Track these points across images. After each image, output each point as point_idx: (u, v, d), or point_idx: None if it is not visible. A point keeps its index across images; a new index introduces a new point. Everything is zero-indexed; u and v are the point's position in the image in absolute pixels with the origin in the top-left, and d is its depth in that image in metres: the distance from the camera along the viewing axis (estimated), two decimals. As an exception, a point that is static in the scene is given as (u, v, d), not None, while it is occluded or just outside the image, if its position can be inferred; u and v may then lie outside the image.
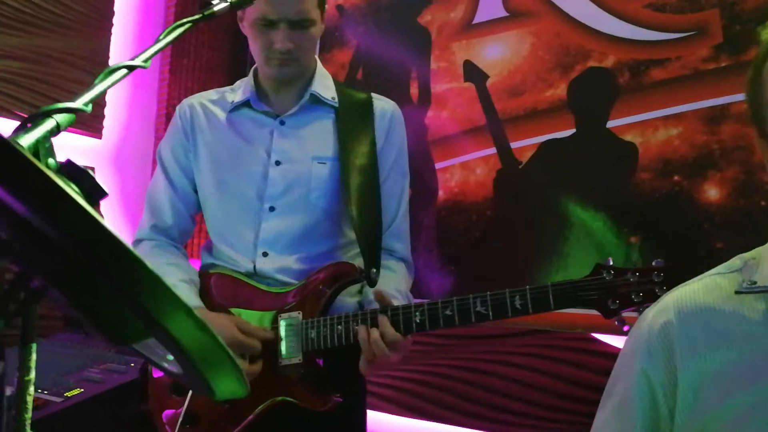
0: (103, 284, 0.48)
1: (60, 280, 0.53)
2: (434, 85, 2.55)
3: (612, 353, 1.81)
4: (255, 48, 1.77)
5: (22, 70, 2.97)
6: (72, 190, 0.53)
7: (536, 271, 2.18)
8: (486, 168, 2.36)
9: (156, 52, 1.25)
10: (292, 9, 1.66)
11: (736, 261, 0.98)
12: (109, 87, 1.12)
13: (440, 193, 2.48)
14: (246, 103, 1.83)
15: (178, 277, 1.74)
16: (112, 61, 3.29)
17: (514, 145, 2.30)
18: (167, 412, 1.73)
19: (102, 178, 3.26)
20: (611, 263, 1.43)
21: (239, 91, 1.85)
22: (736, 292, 0.93)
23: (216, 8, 1.39)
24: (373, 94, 1.87)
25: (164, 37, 1.30)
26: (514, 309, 1.46)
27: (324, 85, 1.83)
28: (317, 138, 1.79)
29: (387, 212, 1.81)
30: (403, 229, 1.83)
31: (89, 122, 3.21)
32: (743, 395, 0.90)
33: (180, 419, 1.68)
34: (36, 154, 0.88)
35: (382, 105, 1.83)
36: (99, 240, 0.46)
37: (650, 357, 0.97)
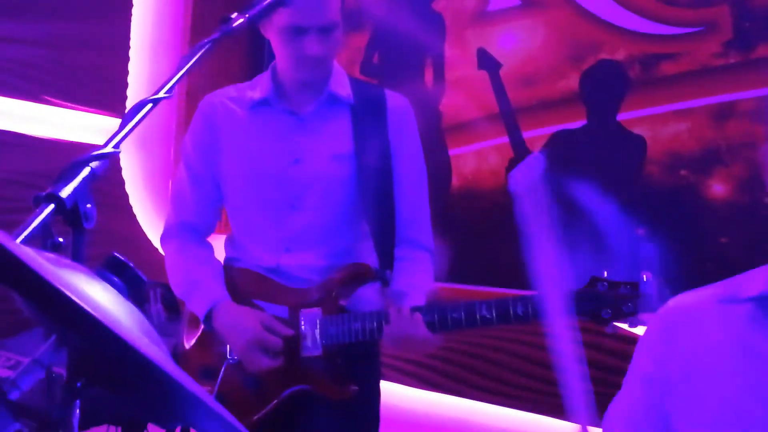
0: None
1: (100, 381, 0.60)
2: (448, 72, 2.60)
3: (622, 335, 1.90)
4: (283, 53, 1.81)
5: (47, 57, 3.05)
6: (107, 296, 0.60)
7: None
8: (499, 156, 2.42)
9: (178, 79, 1.32)
10: (321, 16, 1.71)
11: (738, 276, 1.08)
12: (137, 124, 1.20)
13: (454, 179, 2.54)
14: (265, 101, 1.89)
15: (205, 275, 1.83)
16: (133, 47, 3.36)
17: (526, 134, 2.36)
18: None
19: (125, 159, 3.36)
20: (606, 275, 1.54)
21: (258, 88, 1.91)
22: (719, 302, 1.02)
23: (235, 24, 1.45)
24: (386, 90, 1.92)
25: (185, 63, 1.37)
26: (516, 316, 1.57)
27: (340, 83, 1.88)
28: (334, 135, 1.85)
29: (408, 205, 1.88)
30: (425, 219, 1.91)
31: (110, 102, 3.29)
32: (723, 400, 0.98)
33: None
34: (75, 206, 0.96)
35: (395, 101, 1.89)
36: (125, 358, 0.53)
37: (647, 354, 1.09)
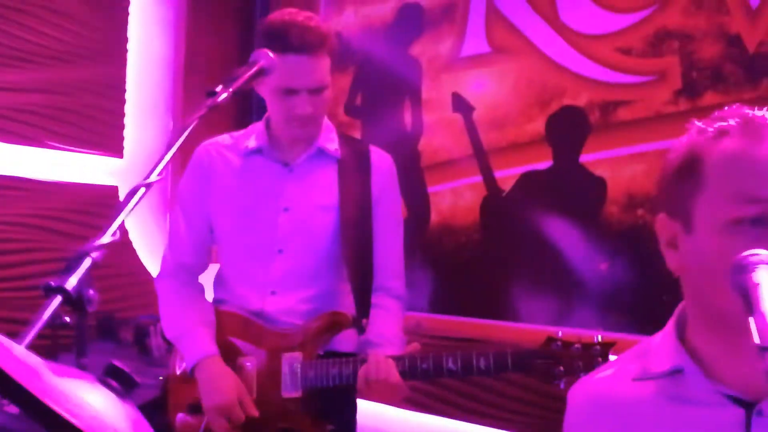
0: None
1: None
2: (425, 114, 2.76)
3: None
4: (275, 110, 1.94)
5: (46, 103, 3.22)
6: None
7: (518, 289, 2.41)
8: (473, 194, 2.58)
9: (168, 160, 1.48)
10: (311, 79, 1.84)
11: (641, 345, 1.19)
12: (132, 208, 1.35)
13: (433, 215, 2.70)
14: (259, 150, 2.04)
15: (198, 321, 1.95)
16: (129, 89, 3.52)
17: (497, 173, 2.51)
18: (186, 424, 2.00)
19: (126, 196, 3.52)
20: (560, 335, 1.70)
21: (252, 137, 2.05)
22: (633, 380, 1.13)
23: (220, 99, 1.62)
24: (371, 147, 2.08)
25: (175, 143, 1.52)
26: (479, 369, 1.73)
27: (329, 138, 2.03)
28: (321, 187, 2.00)
29: (386, 255, 2.03)
30: (400, 269, 2.05)
31: (109, 143, 3.45)
32: None
33: None
34: (80, 295, 1.11)
35: (378, 159, 2.05)
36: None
37: (570, 428, 1.20)
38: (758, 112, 1.02)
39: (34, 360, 0.85)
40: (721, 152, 1.00)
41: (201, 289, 2.10)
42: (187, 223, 2.08)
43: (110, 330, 3.14)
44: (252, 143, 2.03)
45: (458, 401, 2.57)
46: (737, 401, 1.01)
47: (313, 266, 1.95)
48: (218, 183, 2.04)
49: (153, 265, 3.49)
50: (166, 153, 1.46)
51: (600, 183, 2.27)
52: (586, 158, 2.31)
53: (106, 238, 1.23)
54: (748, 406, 1.00)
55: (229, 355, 1.93)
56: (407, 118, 2.83)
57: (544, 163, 2.41)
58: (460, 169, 2.63)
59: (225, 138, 2.09)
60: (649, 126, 2.18)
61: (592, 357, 1.67)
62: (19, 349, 0.88)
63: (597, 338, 1.70)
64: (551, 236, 2.37)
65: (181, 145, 1.69)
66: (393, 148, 2.75)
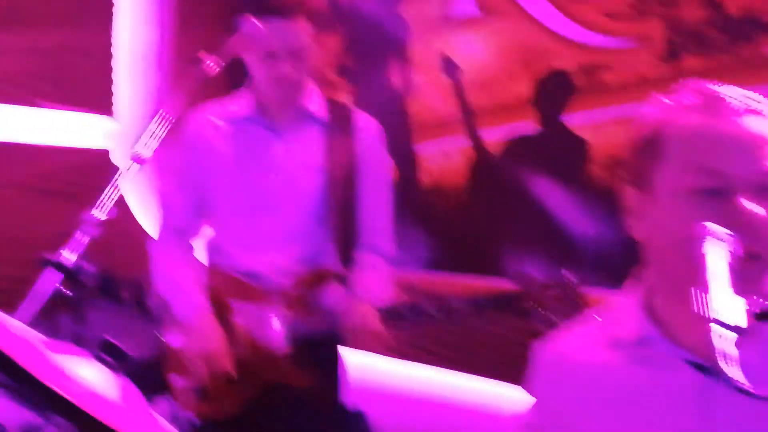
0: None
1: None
2: (414, 75, 2.79)
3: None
4: (259, 75, 2.03)
5: (35, 63, 3.23)
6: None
7: (506, 248, 2.48)
8: (461, 155, 2.63)
9: (161, 136, 1.54)
10: (291, 42, 1.94)
11: (608, 310, 1.25)
12: (126, 183, 1.41)
13: (422, 175, 2.76)
14: (247, 117, 2.11)
15: (189, 279, 2.05)
16: (119, 47, 3.52)
17: (485, 134, 2.57)
18: (180, 382, 2.08)
19: (118, 158, 3.55)
20: (535, 275, 1.75)
21: (241, 105, 2.12)
22: (599, 346, 1.17)
23: (209, 71, 1.70)
24: (357, 111, 2.15)
25: (166, 117, 1.58)
26: (456, 311, 1.81)
27: (314, 102, 2.11)
28: (307, 149, 2.08)
29: (373, 214, 2.11)
30: (388, 228, 2.14)
31: (99, 102, 3.47)
32: (606, 428, 1.13)
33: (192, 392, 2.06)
34: (78, 269, 1.18)
35: (364, 122, 2.12)
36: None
37: (533, 385, 1.27)
38: (719, 89, 1.08)
39: (32, 336, 0.92)
40: (684, 126, 1.04)
41: (193, 252, 2.20)
42: (179, 188, 2.16)
43: (110, 289, 3.20)
44: (240, 111, 2.11)
45: (444, 351, 2.67)
46: (698, 366, 1.08)
47: (300, 226, 2.05)
48: (209, 150, 2.12)
49: (150, 226, 3.55)
50: (156, 127, 1.53)
51: (584, 144, 2.32)
52: (570, 120, 2.36)
53: (103, 215, 1.30)
54: (705, 369, 1.08)
55: (221, 313, 2.03)
56: (396, 78, 2.87)
57: (530, 125, 2.46)
58: (448, 129, 2.67)
59: (213, 106, 2.17)
60: (632, 89, 2.22)
61: (567, 297, 1.72)
62: (16, 325, 0.95)
63: (572, 279, 1.75)
64: (537, 196, 2.43)
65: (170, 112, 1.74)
66: (382, 108, 2.81)
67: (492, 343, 2.54)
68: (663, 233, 1.07)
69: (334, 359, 2.02)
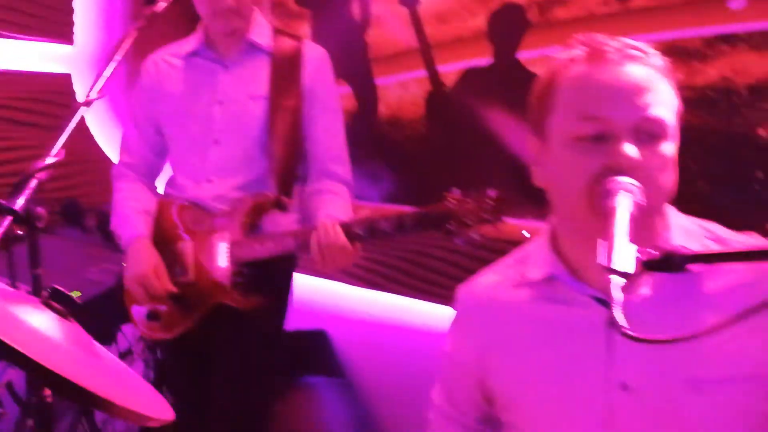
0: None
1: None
2: (373, 5, 2.79)
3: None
4: (201, 7, 2.12)
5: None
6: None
7: (462, 179, 2.55)
8: (419, 87, 2.67)
9: (107, 77, 1.57)
10: None
11: (520, 253, 1.32)
12: (74, 126, 1.45)
13: (381, 107, 2.79)
14: (195, 52, 2.19)
15: (134, 209, 2.17)
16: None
17: (441, 68, 2.59)
18: (136, 309, 2.19)
19: (80, 84, 3.53)
20: (455, 191, 1.76)
21: (190, 40, 2.21)
22: (513, 286, 1.24)
23: (157, 7, 1.74)
24: (305, 41, 2.20)
25: (117, 57, 1.61)
26: (383, 231, 1.83)
27: (260, 33, 2.17)
28: (253, 79, 2.15)
29: (325, 141, 2.17)
30: (343, 154, 2.20)
31: (58, 29, 3.42)
32: (519, 365, 1.23)
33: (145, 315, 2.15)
34: (28, 213, 1.23)
35: (310, 51, 2.17)
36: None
37: (455, 327, 1.35)
38: (603, 40, 1.13)
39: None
40: (569, 77, 1.12)
41: (148, 185, 2.28)
42: (134, 126, 2.25)
43: (75, 217, 3.25)
44: (189, 46, 2.18)
45: (391, 275, 2.78)
46: (601, 301, 1.17)
47: (245, 155, 2.12)
48: (162, 87, 2.20)
49: (112, 154, 3.57)
50: (105, 69, 1.57)
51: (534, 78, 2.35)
52: (523, 55, 2.39)
53: (51, 159, 1.34)
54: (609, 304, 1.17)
55: (170, 240, 2.13)
56: (355, 9, 2.86)
57: (485, 59, 2.49)
58: (406, 62, 2.69)
59: (169, 47, 2.25)
60: (583, 26, 2.25)
61: (484, 212, 1.72)
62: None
63: (490, 194, 1.74)
64: (492, 128, 2.49)
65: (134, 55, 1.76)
66: (341, 39, 2.82)
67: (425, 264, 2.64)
68: (558, 180, 1.14)
69: (278, 282, 2.11)
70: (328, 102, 2.18)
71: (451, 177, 2.52)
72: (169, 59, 2.22)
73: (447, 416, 1.41)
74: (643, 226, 1.09)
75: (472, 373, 1.31)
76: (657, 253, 0.89)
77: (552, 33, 2.32)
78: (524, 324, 1.24)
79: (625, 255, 0.90)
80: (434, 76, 2.62)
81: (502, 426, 1.36)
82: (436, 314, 2.71)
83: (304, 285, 2.97)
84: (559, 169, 1.13)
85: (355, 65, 2.81)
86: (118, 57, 1.58)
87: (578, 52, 1.13)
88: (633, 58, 1.10)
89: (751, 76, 1.93)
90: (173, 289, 2.06)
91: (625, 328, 0.84)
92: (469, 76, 2.53)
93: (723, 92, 1.97)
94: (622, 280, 0.89)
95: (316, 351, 3.03)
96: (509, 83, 2.43)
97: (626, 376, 1.15)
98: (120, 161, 2.28)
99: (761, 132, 1.92)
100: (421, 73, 2.65)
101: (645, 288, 1.15)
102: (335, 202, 2.09)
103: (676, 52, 2.04)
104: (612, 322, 0.86)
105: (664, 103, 1.11)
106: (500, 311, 1.27)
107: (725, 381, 1.12)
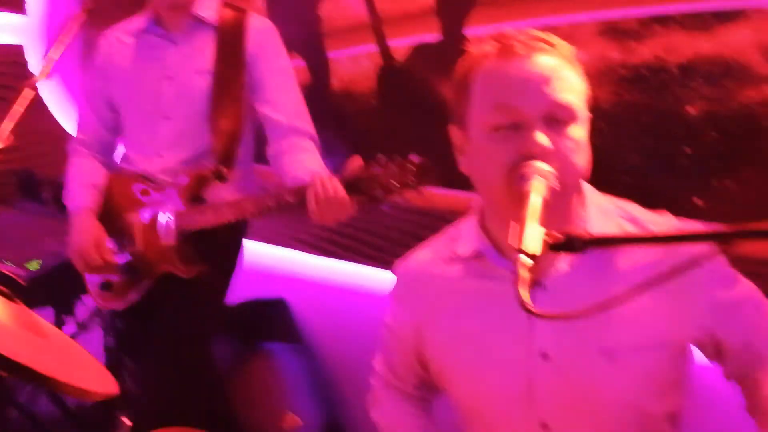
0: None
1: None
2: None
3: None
4: None
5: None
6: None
7: (412, 151, 2.62)
8: (370, 62, 2.72)
9: (54, 60, 1.62)
10: None
11: (452, 230, 1.41)
12: (23, 109, 1.50)
13: (333, 81, 2.84)
14: (145, 28, 2.24)
15: (81, 183, 2.25)
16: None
17: (392, 43, 2.65)
18: (90, 280, 2.28)
19: (33, 55, 3.50)
20: (380, 157, 1.80)
21: (140, 18, 2.26)
22: (445, 261, 1.35)
23: None
24: (250, 13, 2.25)
25: (65, 40, 1.66)
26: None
27: (205, 7, 2.22)
28: (199, 54, 2.21)
29: (283, 102, 2.22)
30: (302, 109, 2.25)
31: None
32: (451, 335, 1.34)
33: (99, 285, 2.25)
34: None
35: (254, 22, 2.23)
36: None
37: (393, 300, 1.44)
38: (513, 34, 1.22)
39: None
40: (481, 72, 1.21)
41: (102, 161, 2.34)
42: (88, 103, 2.30)
43: (31, 189, 3.26)
44: (139, 23, 2.23)
45: (347, 243, 2.86)
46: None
47: (194, 129, 2.20)
48: (115, 65, 2.25)
49: (69, 126, 3.57)
50: (51, 49, 1.62)
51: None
52: (470, 31, 2.45)
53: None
54: (534, 282, 1.26)
55: (120, 212, 2.20)
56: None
57: (434, 35, 2.55)
58: (358, 36, 2.74)
59: (122, 24, 2.29)
60: (528, 3, 2.31)
61: (406, 176, 1.77)
62: None
63: (413, 159, 1.79)
64: (441, 104, 2.55)
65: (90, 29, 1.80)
66: (295, 13, 2.85)
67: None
68: (479, 168, 1.24)
69: (223, 251, 2.19)
70: (274, 65, 2.22)
71: (401, 149, 2.60)
72: (121, 36, 2.26)
73: (388, 383, 1.51)
74: (561, 206, 1.19)
75: (409, 343, 1.41)
76: (561, 235, 0.98)
77: (498, 10, 2.39)
78: (455, 297, 1.33)
79: (532, 237, 0.99)
80: (385, 51, 2.67)
81: (438, 391, 1.47)
82: (390, 281, 2.81)
83: (263, 254, 3.04)
84: (479, 158, 1.22)
85: (308, 39, 2.84)
86: (65, 39, 1.62)
87: (489, 47, 1.21)
88: (539, 50, 1.18)
89: (682, 55, 2.02)
90: (112, 260, 2.14)
91: (527, 304, 0.93)
92: (419, 51, 2.59)
93: (655, 71, 2.06)
94: (530, 261, 0.98)
95: (274, 318, 3.11)
96: (457, 58, 2.49)
97: (545, 346, 1.25)
98: (75, 138, 2.35)
99: (690, 109, 2.02)
100: (373, 47, 2.70)
101: (564, 264, 1.25)
102: (311, 156, 2.14)
103: (613, 32, 2.13)
104: (517, 299, 0.95)
105: (571, 89, 1.19)
106: (433, 285, 1.35)
107: (635, 350, 1.23)
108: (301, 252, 3.07)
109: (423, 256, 1.41)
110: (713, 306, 1.26)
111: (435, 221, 2.50)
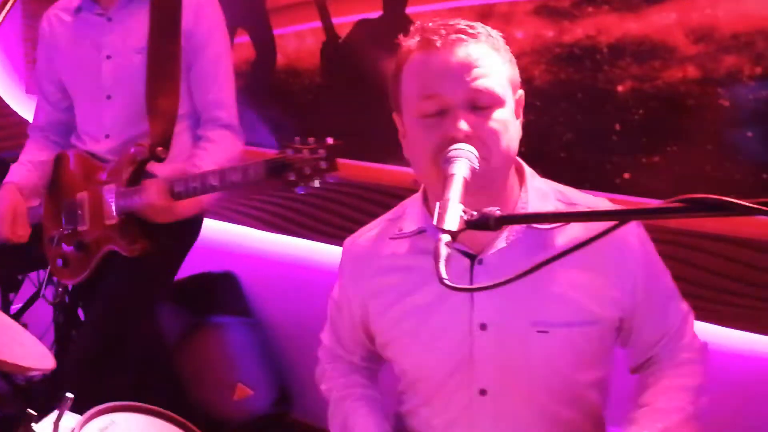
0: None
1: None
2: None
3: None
4: None
5: None
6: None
7: (356, 126, 2.67)
8: (315, 39, 2.75)
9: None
10: None
11: (399, 209, 1.49)
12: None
13: (279, 57, 2.86)
14: (80, 7, 2.21)
15: (20, 161, 2.29)
16: None
17: (335, 20, 2.68)
18: (52, 255, 2.32)
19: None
20: (296, 141, 1.83)
21: None
22: (390, 238, 1.42)
23: None
24: None
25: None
26: (233, 182, 1.92)
27: None
28: (135, 31, 2.20)
29: (207, 86, 2.23)
30: (225, 98, 2.26)
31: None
32: (395, 308, 1.41)
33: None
34: None
35: None
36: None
37: (341, 275, 1.50)
38: (436, 26, 1.29)
39: None
40: (409, 64, 1.30)
41: (54, 140, 2.34)
42: (39, 87, 2.30)
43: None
44: (76, 0, 2.19)
45: (297, 219, 2.90)
46: (465, 254, 1.35)
47: (137, 109, 2.19)
48: (57, 45, 2.24)
49: (16, 104, 3.54)
50: None
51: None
52: (411, 10, 2.50)
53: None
54: (473, 257, 1.34)
55: (70, 190, 2.23)
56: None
57: (376, 12, 2.58)
58: (302, 13, 2.76)
59: (61, 1, 2.25)
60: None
61: (318, 161, 1.80)
62: None
63: (327, 142, 1.82)
64: (384, 80, 2.59)
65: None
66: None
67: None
68: (413, 152, 1.31)
69: (168, 230, 2.20)
70: (206, 45, 2.21)
71: (345, 124, 2.65)
72: (60, 15, 2.24)
73: (335, 355, 1.59)
74: (491, 186, 1.26)
75: (356, 317, 1.48)
76: (476, 214, 1.04)
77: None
78: (400, 273, 1.41)
79: (451, 215, 1.06)
80: (329, 28, 2.70)
81: (383, 362, 1.54)
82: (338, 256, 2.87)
83: (214, 229, 3.07)
84: (412, 143, 1.31)
85: (254, 15, 2.86)
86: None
87: (414, 41, 1.28)
88: (459, 41, 1.25)
89: (611, 35, 2.10)
90: (9, 237, 2.16)
91: (444, 278, 1.00)
92: (360, 26, 2.63)
93: (587, 50, 2.13)
94: (449, 237, 1.04)
95: (224, 292, 3.14)
96: (398, 34, 2.53)
97: (483, 318, 1.34)
98: (31, 123, 2.37)
99: (620, 88, 2.10)
100: (317, 24, 2.72)
101: (502, 242, 1.33)
102: (208, 151, 2.17)
103: (548, 11, 2.20)
104: (437, 274, 1.01)
105: (493, 74, 1.27)
106: (379, 261, 1.43)
107: (565, 326, 1.32)
108: (251, 228, 3.11)
109: (370, 233, 1.49)
110: (635, 291, 1.36)
111: (386, 198, 2.58)
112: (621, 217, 0.98)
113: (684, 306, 1.45)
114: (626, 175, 2.11)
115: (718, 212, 0.82)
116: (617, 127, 2.12)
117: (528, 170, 1.40)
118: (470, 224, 1.04)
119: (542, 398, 1.36)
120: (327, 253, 2.83)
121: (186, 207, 2.08)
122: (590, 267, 1.33)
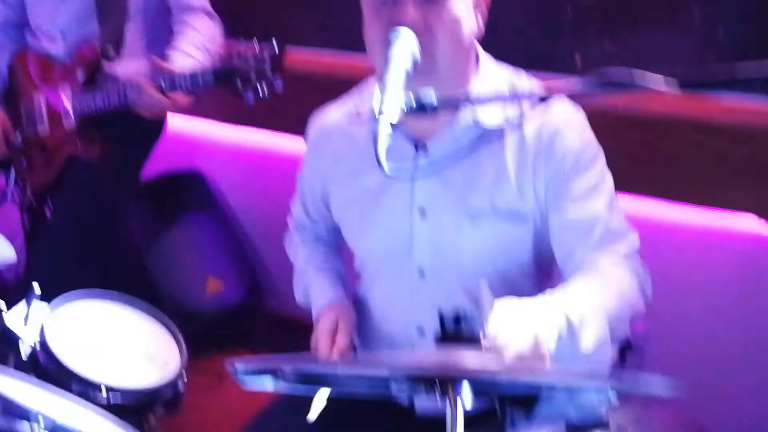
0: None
1: None
2: None
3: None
4: None
5: None
6: None
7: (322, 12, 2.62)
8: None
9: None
10: None
11: (359, 88, 1.49)
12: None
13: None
14: None
15: None
16: None
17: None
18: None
19: None
20: (242, 51, 1.82)
21: None
22: (348, 116, 1.47)
23: None
24: None
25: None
26: (183, 87, 1.95)
27: None
28: None
29: None
30: None
31: None
32: (348, 188, 1.48)
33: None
34: None
35: None
36: None
37: (307, 151, 1.56)
38: None
39: None
40: None
41: (12, 40, 2.32)
42: None
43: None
44: None
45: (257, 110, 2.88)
46: (412, 139, 1.39)
47: (88, 6, 2.17)
48: None
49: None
50: None
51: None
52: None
53: None
54: (418, 143, 1.39)
55: (27, 91, 2.26)
56: None
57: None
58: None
59: None
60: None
61: (263, 66, 1.79)
62: None
63: (271, 46, 1.81)
64: None
65: None
66: None
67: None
68: (367, 40, 1.34)
69: (128, 130, 2.21)
70: None
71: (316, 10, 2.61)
72: None
73: (302, 225, 1.67)
74: (440, 77, 1.28)
75: (317, 191, 1.56)
76: (414, 100, 1.08)
77: None
78: (356, 154, 1.46)
79: (390, 101, 1.09)
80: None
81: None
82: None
83: (178, 126, 3.05)
84: (366, 28, 1.33)
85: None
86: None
87: None
88: None
89: None
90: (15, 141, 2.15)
91: (382, 161, 1.05)
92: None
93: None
94: (387, 122, 1.08)
95: (190, 189, 3.16)
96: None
97: (423, 201, 1.40)
98: None
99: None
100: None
101: (447, 130, 1.37)
102: (187, 36, 2.17)
103: None
104: (376, 158, 1.06)
105: None
106: (339, 141, 1.48)
107: (492, 215, 1.37)
108: (215, 122, 3.09)
109: (332, 112, 1.53)
110: (556, 182, 1.35)
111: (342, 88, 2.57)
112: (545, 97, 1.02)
113: (613, 208, 1.38)
114: (577, 60, 2.14)
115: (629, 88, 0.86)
116: (569, 12, 2.13)
117: (484, 57, 1.42)
118: (409, 110, 1.08)
119: (475, 285, 1.40)
120: (292, 144, 2.85)
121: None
122: (521, 160, 1.36)
